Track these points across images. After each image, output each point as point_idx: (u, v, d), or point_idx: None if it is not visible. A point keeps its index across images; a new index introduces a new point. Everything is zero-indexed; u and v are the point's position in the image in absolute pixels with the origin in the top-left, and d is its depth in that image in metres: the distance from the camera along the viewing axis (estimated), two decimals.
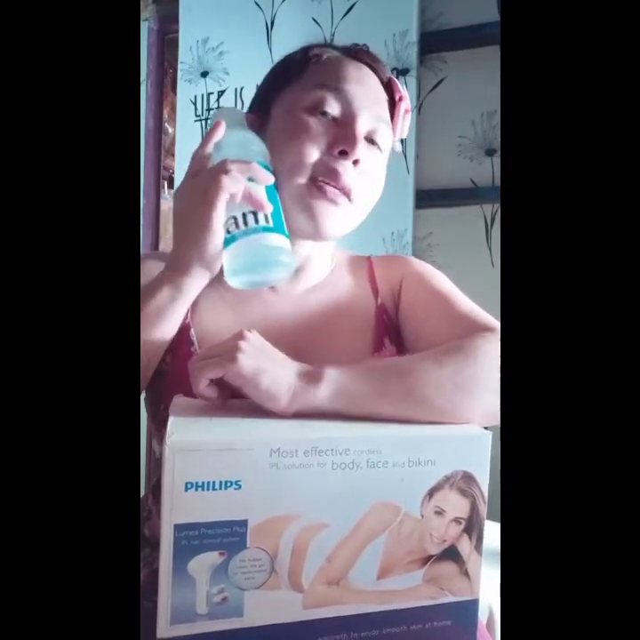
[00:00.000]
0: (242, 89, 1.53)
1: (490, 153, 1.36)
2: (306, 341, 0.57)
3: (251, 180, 0.50)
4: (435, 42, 1.36)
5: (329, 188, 0.53)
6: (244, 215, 0.50)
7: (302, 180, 0.54)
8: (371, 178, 0.57)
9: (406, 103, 0.60)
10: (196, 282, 0.52)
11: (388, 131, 0.59)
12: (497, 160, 1.35)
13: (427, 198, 1.36)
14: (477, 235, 1.36)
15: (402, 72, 1.33)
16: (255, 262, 0.50)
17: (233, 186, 0.49)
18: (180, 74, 1.62)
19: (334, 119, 0.55)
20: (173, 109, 1.69)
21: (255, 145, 0.54)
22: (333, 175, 0.53)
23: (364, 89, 0.57)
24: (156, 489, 0.60)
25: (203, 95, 1.59)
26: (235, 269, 0.50)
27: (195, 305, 0.57)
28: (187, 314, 0.56)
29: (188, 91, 1.61)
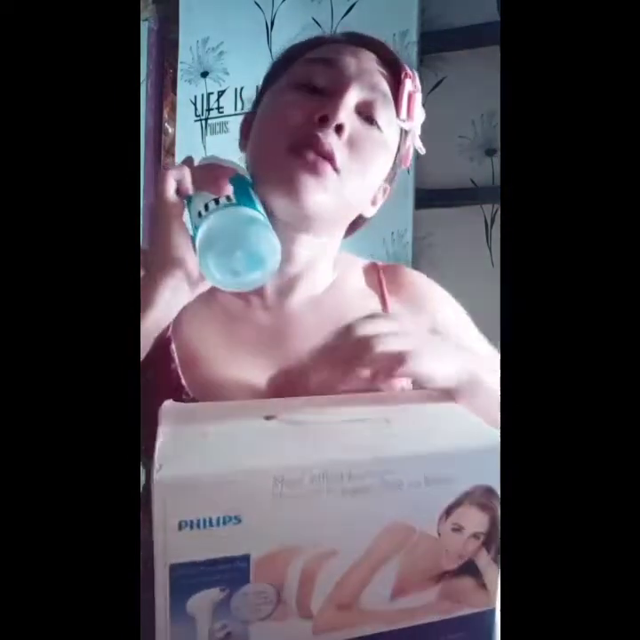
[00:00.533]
0: (242, 89, 1.54)
1: (490, 153, 1.36)
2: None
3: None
4: (435, 42, 1.36)
5: (309, 154, 0.47)
6: (206, 205, 0.45)
7: (280, 149, 0.48)
8: (362, 152, 0.50)
9: (414, 84, 0.53)
10: (164, 285, 0.46)
11: (388, 106, 0.52)
12: (497, 160, 1.35)
13: (427, 198, 1.36)
14: (477, 235, 1.36)
15: None
16: (224, 241, 0.44)
17: (176, 173, 0.46)
18: (179, 74, 1.63)
19: (322, 90, 0.50)
20: (173, 109, 1.69)
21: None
22: (313, 139, 0.47)
23: (358, 60, 0.51)
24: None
25: (203, 95, 1.59)
26: (205, 258, 0.44)
27: (178, 318, 0.52)
28: (168, 327, 0.52)
29: (188, 91, 1.61)
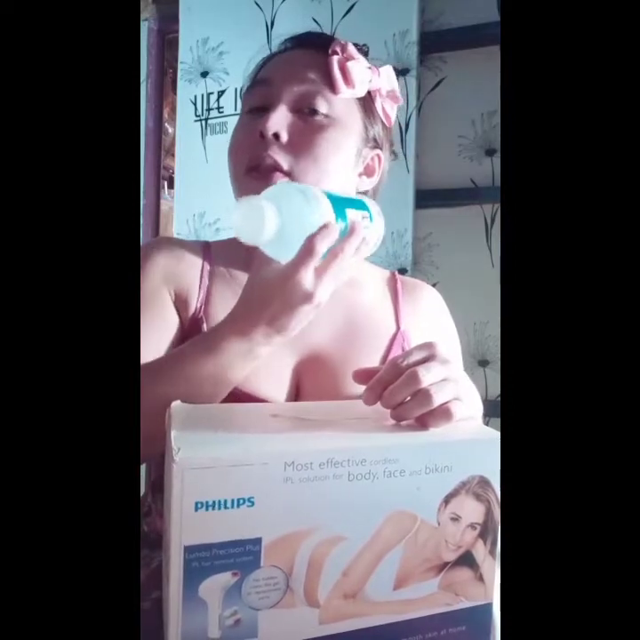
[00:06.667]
0: (242, 89, 1.53)
1: (490, 153, 1.35)
2: (318, 344, 0.57)
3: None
4: (435, 42, 1.36)
5: (259, 174, 0.55)
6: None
7: (240, 173, 0.56)
8: (306, 143, 0.55)
9: (344, 55, 0.57)
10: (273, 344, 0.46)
11: (323, 90, 0.57)
12: (497, 160, 1.35)
13: (427, 198, 1.36)
14: (477, 235, 1.36)
15: (402, 72, 1.33)
16: None
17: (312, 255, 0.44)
18: (180, 74, 1.62)
19: (263, 108, 0.57)
20: (173, 109, 1.69)
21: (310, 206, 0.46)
22: (258, 159, 0.55)
23: (291, 66, 0.58)
24: (155, 485, 0.60)
25: (203, 95, 1.59)
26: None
27: (208, 300, 0.56)
28: (200, 307, 0.56)
29: (188, 91, 1.61)
